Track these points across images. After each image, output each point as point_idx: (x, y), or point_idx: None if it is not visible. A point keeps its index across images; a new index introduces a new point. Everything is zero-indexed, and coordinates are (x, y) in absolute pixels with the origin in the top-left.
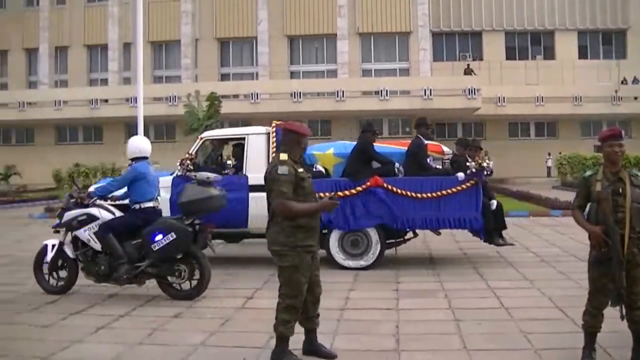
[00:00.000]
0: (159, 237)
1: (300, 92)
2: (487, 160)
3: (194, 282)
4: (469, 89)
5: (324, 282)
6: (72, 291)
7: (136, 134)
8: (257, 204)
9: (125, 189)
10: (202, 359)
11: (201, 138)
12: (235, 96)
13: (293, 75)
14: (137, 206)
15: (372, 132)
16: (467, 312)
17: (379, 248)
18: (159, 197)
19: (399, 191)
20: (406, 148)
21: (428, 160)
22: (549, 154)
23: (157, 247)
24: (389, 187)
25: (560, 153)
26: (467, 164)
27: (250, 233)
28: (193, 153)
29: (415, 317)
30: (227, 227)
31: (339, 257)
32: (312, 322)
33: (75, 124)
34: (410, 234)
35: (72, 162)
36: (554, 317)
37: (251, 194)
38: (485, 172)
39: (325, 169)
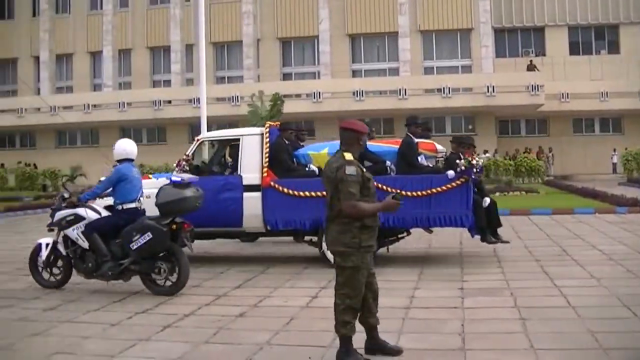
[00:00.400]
0: (137, 236)
1: (362, 91)
2: (477, 158)
3: (174, 279)
4: (532, 85)
5: (390, 281)
6: (137, 290)
7: (199, 134)
8: (251, 203)
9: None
10: (267, 358)
11: (197, 139)
12: (298, 95)
13: (355, 74)
14: (120, 207)
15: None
16: (533, 310)
17: None
18: (142, 198)
19: (389, 189)
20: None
21: (419, 158)
22: (615, 150)
23: (135, 246)
24: (379, 185)
25: (626, 149)
26: (457, 161)
27: (246, 232)
28: (190, 154)
29: (481, 316)
30: (222, 227)
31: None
32: (374, 319)
33: (139, 125)
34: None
35: (136, 162)
36: (623, 315)
37: (245, 194)
38: (474, 170)
39: (320, 168)
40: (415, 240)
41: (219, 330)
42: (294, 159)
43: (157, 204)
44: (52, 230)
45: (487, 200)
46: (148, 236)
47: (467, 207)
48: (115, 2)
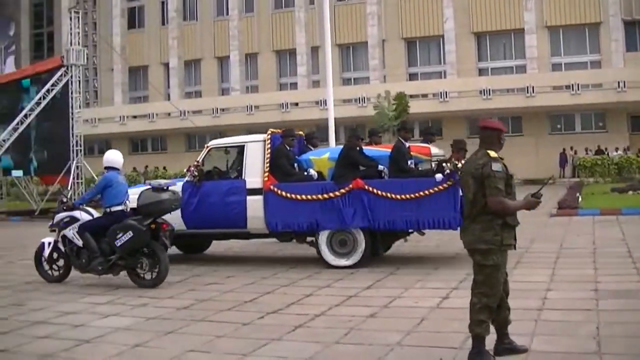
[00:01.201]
0: (120, 234)
1: (489, 89)
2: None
3: (154, 274)
4: None
5: (521, 282)
6: (269, 291)
7: (327, 136)
8: (254, 206)
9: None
10: (398, 359)
11: (207, 146)
12: (424, 95)
13: (481, 72)
14: (107, 209)
15: (357, 137)
16: None
17: (363, 248)
18: (127, 202)
19: (379, 193)
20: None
21: (409, 162)
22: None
23: (119, 243)
24: (370, 189)
25: None
26: (443, 165)
27: (250, 233)
28: (200, 161)
29: (617, 319)
30: (229, 228)
31: (328, 256)
32: (508, 318)
33: (267, 127)
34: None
35: None
36: None
37: (248, 197)
38: (459, 173)
39: (321, 172)
40: (545, 240)
41: (349, 331)
42: (297, 164)
43: (137, 207)
44: (53, 230)
45: None
46: (129, 234)
47: (455, 210)
48: (241, 8)
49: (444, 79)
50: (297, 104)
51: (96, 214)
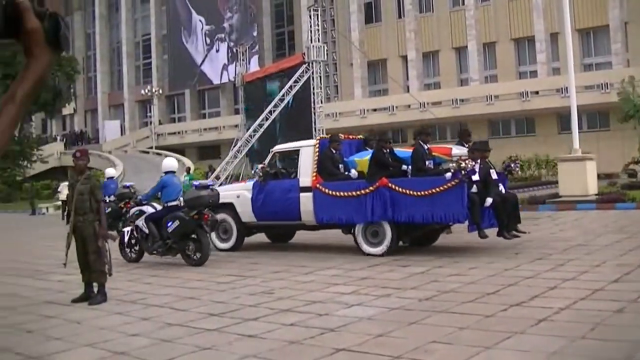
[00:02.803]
0: (170, 223)
1: None
2: (468, 162)
3: (199, 254)
4: None
5: None
6: (512, 283)
7: (569, 123)
8: (305, 201)
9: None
10: None
11: (272, 151)
12: None
13: None
14: (165, 204)
15: (385, 140)
16: None
17: (390, 238)
18: (181, 198)
19: (400, 190)
20: None
21: (427, 162)
22: None
23: (170, 230)
24: (393, 186)
25: None
26: (450, 165)
27: (305, 225)
28: (266, 164)
29: None
30: (287, 221)
31: (364, 246)
32: None
33: (507, 117)
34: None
35: (505, 155)
36: None
37: (301, 194)
38: (462, 172)
39: (362, 172)
40: None
41: (596, 326)
42: (344, 165)
43: (184, 201)
44: (132, 222)
45: (489, 200)
46: (177, 223)
47: (462, 205)
48: None
49: None
50: (537, 92)
51: (158, 207)
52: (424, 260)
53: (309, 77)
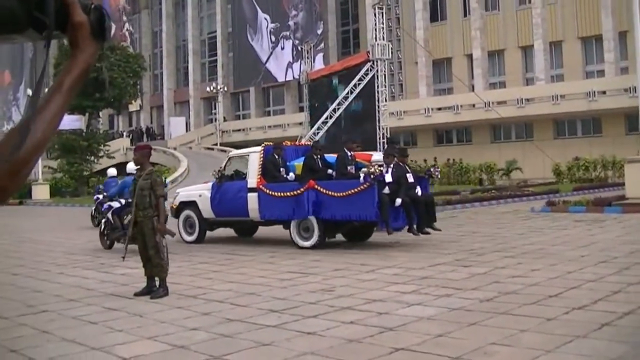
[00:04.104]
0: (125, 217)
1: None
2: (375, 168)
3: None
4: None
5: None
6: (574, 286)
7: (637, 124)
8: (252, 200)
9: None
10: None
11: (228, 157)
12: None
13: None
14: (126, 201)
15: (316, 148)
16: None
17: (318, 233)
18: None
19: (324, 191)
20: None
21: (349, 167)
22: None
23: (125, 222)
24: (319, 188)
25: None
26: (361, 170)
27: (253, 221)
28: (222, 167)
29: None
30: (239, 217)
31: (297, 239)
32: None
33: (573, 117)
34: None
35: (571, 155)
36: None
37: (249, 194)
38: (371, 176)
39: (297, 175)
40: None
41: None
42: (285, 168)
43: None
44: (104, 215)
45: (399, 201)
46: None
47: (373, 205)
48: None
49: None
50: (604, 92)
51: (122, 203)
52: (485, 261)
53: (373, 75)
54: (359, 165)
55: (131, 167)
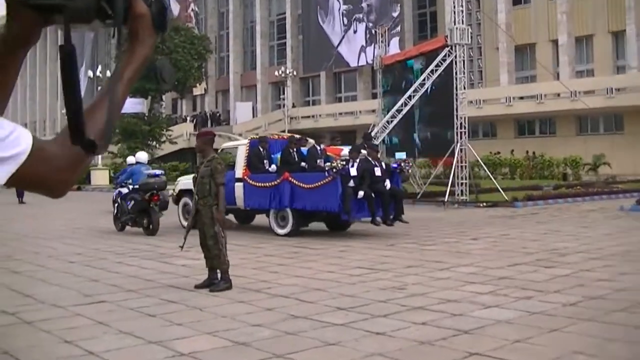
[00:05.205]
0: (129, 202)
1: None
2: (338, 162)
3: (151, 227)
4: None
5: None
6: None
7: None
8: (239, 190)
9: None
10: None
11: (220, 149)
12: None
13: None
14: (134, 187)
15: (292, 142)
16: None
17: (292, 222)
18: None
19: (297, 183)
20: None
21: (319, 161)
22: None
23: (129, 207)
24: (293, 180)
25: None
26: (325, 163)
27: (240, 210)
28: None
29: None
30: (230, 205)
31: (275, 227)
32: None
33: None
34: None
35: None
36: None
37: (236, 184)
38: (334, 170)
39: (277, 167)
40: None
41: None
42: (269, 161)
43: (138, 186)
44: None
45: (362, 193)
46: (132, 202)
47: (336, 197)
48: None
49: None
50: None
51: (130, 189)
52: (569, 262)
53: (451, 62)
54: (329, 159)
55: (131, 160)
